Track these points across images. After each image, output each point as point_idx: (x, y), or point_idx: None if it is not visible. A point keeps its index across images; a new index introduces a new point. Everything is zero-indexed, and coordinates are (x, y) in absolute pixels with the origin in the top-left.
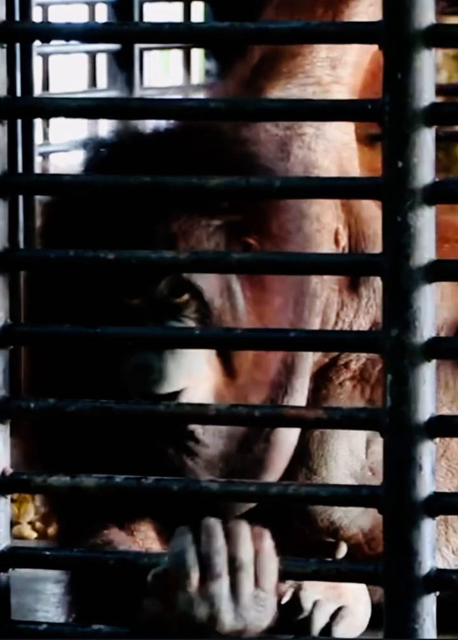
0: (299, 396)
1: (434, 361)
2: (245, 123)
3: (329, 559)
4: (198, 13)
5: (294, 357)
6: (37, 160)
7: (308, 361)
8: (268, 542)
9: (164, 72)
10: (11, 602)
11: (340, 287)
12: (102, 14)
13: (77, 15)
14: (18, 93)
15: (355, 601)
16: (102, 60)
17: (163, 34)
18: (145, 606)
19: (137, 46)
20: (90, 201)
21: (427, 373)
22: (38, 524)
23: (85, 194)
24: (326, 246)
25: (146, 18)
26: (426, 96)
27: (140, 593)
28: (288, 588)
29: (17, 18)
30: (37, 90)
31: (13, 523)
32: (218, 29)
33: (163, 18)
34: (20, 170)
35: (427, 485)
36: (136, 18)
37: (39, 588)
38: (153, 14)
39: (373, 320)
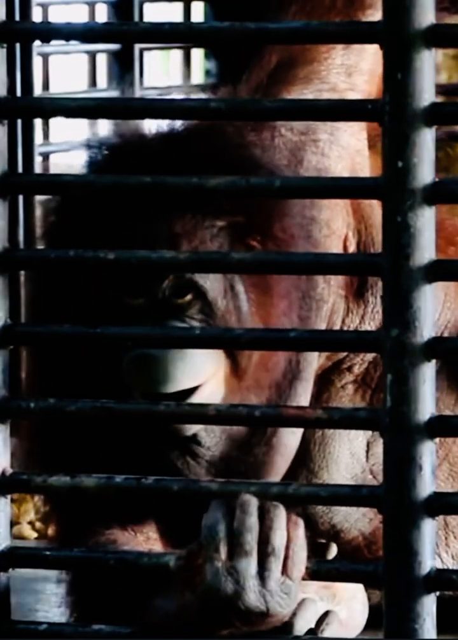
0: (302, 400)
1: (434, 361)
2: (258, 128)
3: (329, 559)
4: (198, 13)
5: (298, 360)
6: (37, 160)
7: (313, 365)
8: (301, 532)
9: (164, 72)
10: (11, 602)
11: (346, 293)
12: (102, 14)
13: (77, 15)
14: (18, 93)
15: (351, 600)
16: (102, 60)
17: (163, 34)
18: (157, 605)
19: (137, 46)
20: (93, 202)
21: (427, 373)
22: (38, 524)
23: (87, 194)
24: (335, 251)
25: (146, 18)
26: (426, 96)
27: (144, 594)
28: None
29: (17, 18)
30: (37, 90)
31: (13, 523)
32: (218, 29)
33: (163, 18)
34: (20, 170)
35: (427, 485)
36: (136, 18)
37: (39, 588)
38: (153, 14)
39: (379, 326)
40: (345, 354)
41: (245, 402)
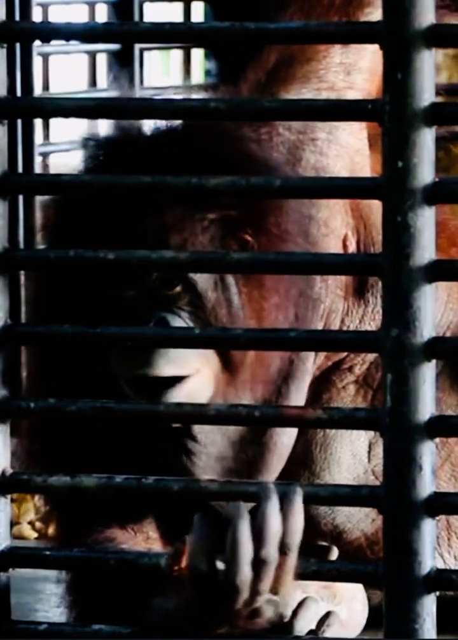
0: (294, 397)
1: (434, 361)
2: (256, 127)
3: (329, 560)
4: (198, 13)
5: (292, 358)
6: (37, 159)
7: (307, 364)
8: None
9: (164, 72)
10: (11, 602)
11: (346, 293)
12: (102, 14)
13: (77, 15)
14: (18, 93)
15: (351, 600)
16: (102, 60)
17: (163, 34)
18: (156, 605)
19: (137, 46)
20: (85, 197)
21: (427, 373)
22: (38, 524)
23: (84, 193)
24: (333, 251)
25: (146, 18)
26: (426, 96)
27: (144, 593)
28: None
29: (17, 18)
30: (37, 90)
31: (13, 523)
32: (218, 29)
33: (163, 18)
34: (20, 170)
35: (427, 485)
36: (136, 18)
37: (39, 588)
38: (153, 14)
39: (379, 326)
40: (345, 354)
41: (240, 398)
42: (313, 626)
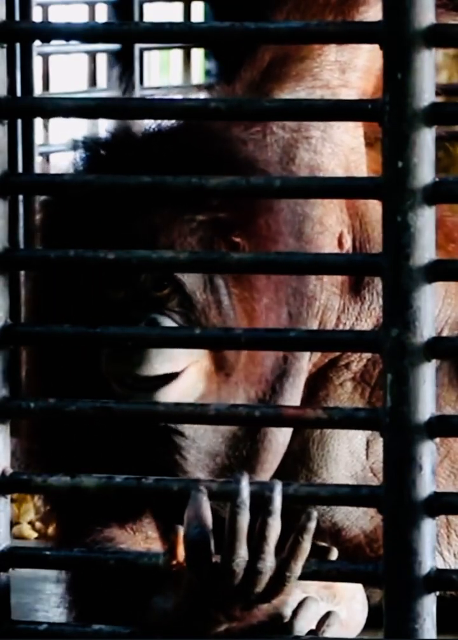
0: (289, 396)
1: (434, 361)
2: (249, 125)
3: (329, 559)
4: (198, 13)
5: (286, 356)
6: (37, 159)
7: (302, 362)
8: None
9: (164, 72)
10: (11, 602)
11: (341, 290)
12: (102, 14)
13: (77, 15)
14: (18, 93)
15: (351, 600)
16: (102, 60)
17: (163, 34)
18: (155, 604)
19: (137, 46)
20: (75, 198)
21: (427, 373)
22: (38, 524)
23: (83, 193)
24: (328, 249)
25: (146, 18)
26: (426, 96)
27: (144, 593)
28: None
29: (17, 18)
30: (37, 90)
31: (13, 523)
32: (218, 29)
33: (163, 18)
34: (20, 170)
35: (427, 485)
36: (136, 18)
37: (39, 588)
38: (153, 14)
39: (376, 323)
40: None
41: (233, 397)
42: (313, 626)
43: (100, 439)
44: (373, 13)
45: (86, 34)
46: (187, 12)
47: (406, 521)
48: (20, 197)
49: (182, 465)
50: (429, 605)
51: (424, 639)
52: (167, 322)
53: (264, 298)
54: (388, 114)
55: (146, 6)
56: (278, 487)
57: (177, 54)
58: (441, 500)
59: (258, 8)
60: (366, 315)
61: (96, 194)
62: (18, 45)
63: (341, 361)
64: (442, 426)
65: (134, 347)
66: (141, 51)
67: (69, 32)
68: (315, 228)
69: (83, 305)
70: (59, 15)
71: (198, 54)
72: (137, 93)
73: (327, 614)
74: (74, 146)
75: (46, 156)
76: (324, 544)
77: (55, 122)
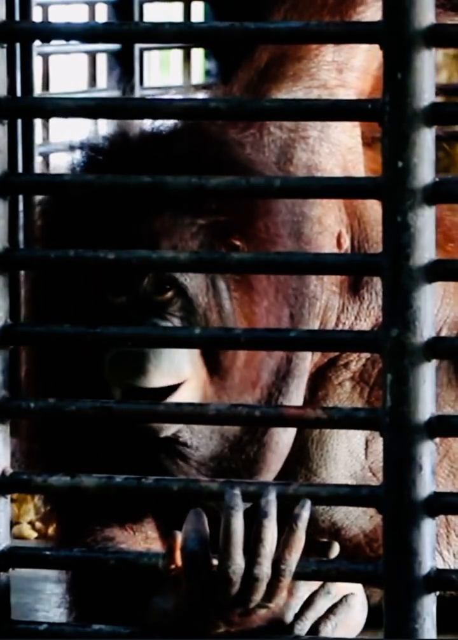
0: (294, 397)
1: (434, 361)
2: (246, 126)
3: (329, 559)
4: (198, 13)
5: (290, 357)
6: (37, 159)
7: (306, 362)
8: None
9: (164, 72)
10: (11, 602)
11: (340, 289)
12: (102, 14)
13: (77, 15)
14: (18, 93)
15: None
16: (102, 60)
17: (163, 34)
18: (154, 604)
19: (137, 46)
20: (77, 201)
21: (427, 373)
22: (38, 524)
23: (83, 193)
24: (328, 249)
25: (146, 18)
26: (426, 96)
27: (144, 593)
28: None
29: (17, 18)
30: (37, 90)
31: (13, 523)
32: (218, 29)
33: (163, 18)
34: (20, 170)
35: (427, 485)
36: (136, 18)
37: (39, 588)
38: (153, 14)
39: (375, 323)
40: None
41: (232, 400)
42: (315, 618)
43: (101, 443)
44: (370, 13)
45: (86, 34)
46: (187, 12)
47: (406, 521)
48: (20, 197)
49: (184, 470)
50: (429, 605)
51: (424, 639)
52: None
53: (265, 300)
54: (388, 114)
55: (146, 6)
56: (273, 491)
57: (177, 54)
58: (441, 500)
59: (257, 8)
60: (365, 315)
61: (95, 197)
62: (18, 45)
63: (340, 361)
64: (442, 426)
65: (135, 357)
66: (141, 51)
67: (69, 32)
68: (314, 228)
69: (83, 309)
70: (59, 15)
71: (198, 54)
72: (137, 93)
73: (334, 606)
74: (72, 149)
75: (46, 156)
76: (325, 540)
77: (55, 122)
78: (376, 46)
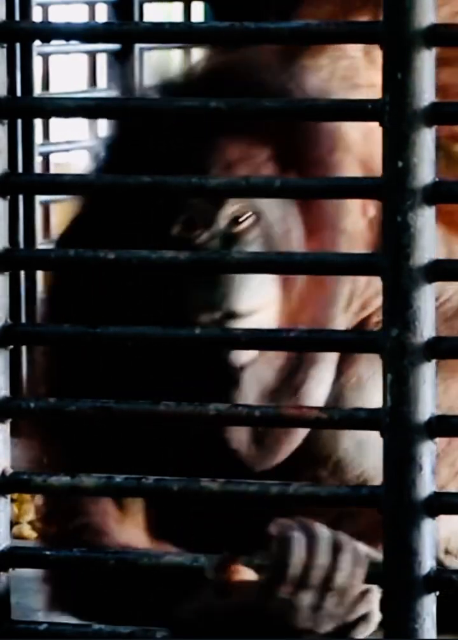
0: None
1: (434, 361)
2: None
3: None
4: (198, 13)
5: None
6: (37, 159)
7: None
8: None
9: None
10: (11, 602)
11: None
12: (102, 14)
13: (77, 15)
14: (18, 93)
15: None
16: (102, 60)
17: (163, 34)
18: (185, 607)
19: (137, 46)
20: (149, 126)
21: (427, 373)
22: (38, 524)
23: (84, 192)
24: (354, 214)
25: (146, 18)
26: (426, 96)
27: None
28: None
29: (17, 18)
30: (37, 90)
31: (13, 523)
32: (218, 29)
33: (163, 18)
34: (20, 170)
35: (427, 485)
36: (136, 18)
37: (39, 588)
38: (153, 14)
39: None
40: (373, 308)
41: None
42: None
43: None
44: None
45: (86, 34)
46: (187, 12)
47: (406, 521)
48: (20, 197)
49: (236, 394)
50: (429, 605)
51: (424, 639)
52: None
53: (326, 232)
54: (388, 114)
55: (146, 6)
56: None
57: (177, 54)
58: (441, 500)
59: (257, 8)
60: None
61: (166, 125)
62: (18, 45)
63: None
64: (442, 426)
65: (222, 282)
66: (141, 51)
67: (69, 32)
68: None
69: (157, 245)
70: (59, 15)
71: (198, 54)
72: (137, 93)
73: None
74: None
75: (46, 156)
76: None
77: (55, 122)
78: None
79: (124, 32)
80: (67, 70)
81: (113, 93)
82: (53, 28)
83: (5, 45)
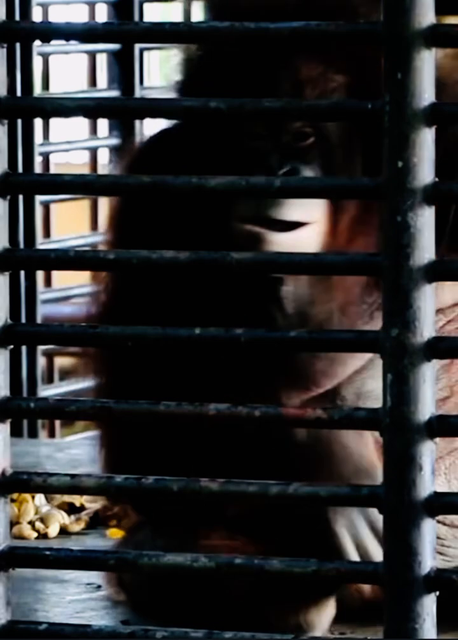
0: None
1: (434, 361)
2: None
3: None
4: (198, 13)
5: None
6: (37, 160)
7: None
8: None
9: (164, 72)
10: (11, 602)
11: None
12: (102, 14)
13: (77, 15)
14: (18, 93)
15: None
16: (102, 60)
17: (163, 34)
18: None
19: (137, 46)
20: (224, 48)
21: (427, 373)
22: (38, 524)
23: (85, 192)
24: None
25: (146, 18)
26: (426, 96)
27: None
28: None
29: (17, 18)
30: (37, 90)
31: (13, 523)
32: (218, 29)
33: (163, 18)
34: (20, 170)
35: (427, 485)
36: (136, 18)
37: (39, 588)
38: (153, 14)
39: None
40: None
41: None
42: None
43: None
44: None
45: (86, 34)
46: (187, 12)
47: (406, 521)
48: (20, 197)
49: (281, 317)
50: (429, 605)
51: (424, 639)
52: (307, 172)
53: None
54: (388, 114)
55: (146, 6)
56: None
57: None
58: (441, 500)
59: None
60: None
61: (237, 47)
62: (18, 45)
63: None
64: (442, 426)
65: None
66: (141, 51)
67: (69, 32)
68: None
69: (223, 156)
70: (59, 15)
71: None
72: (137, 93)
73: None
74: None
75: (46, 156)
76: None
77: (55, 122)
78: None
79: (124, 32)
80: (67, 70)
81: (113, 93)
82: (53, 28)
83: (5, 45)
